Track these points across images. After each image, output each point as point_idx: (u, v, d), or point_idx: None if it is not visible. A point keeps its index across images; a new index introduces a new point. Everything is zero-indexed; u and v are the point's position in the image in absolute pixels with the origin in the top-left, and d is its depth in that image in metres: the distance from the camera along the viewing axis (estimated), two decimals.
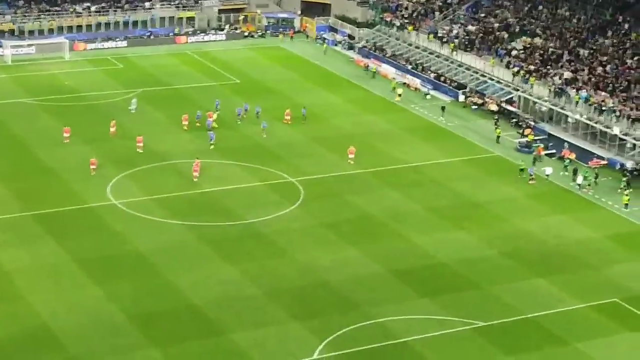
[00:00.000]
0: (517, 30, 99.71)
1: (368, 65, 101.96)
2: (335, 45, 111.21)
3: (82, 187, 69.15)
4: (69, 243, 60.81)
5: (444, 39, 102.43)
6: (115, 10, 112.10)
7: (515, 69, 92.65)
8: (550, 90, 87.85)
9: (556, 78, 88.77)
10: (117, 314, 53.08)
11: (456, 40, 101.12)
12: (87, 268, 57.75)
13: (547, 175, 74.11)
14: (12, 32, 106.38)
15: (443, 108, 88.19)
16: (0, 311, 52.75)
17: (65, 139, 76.80)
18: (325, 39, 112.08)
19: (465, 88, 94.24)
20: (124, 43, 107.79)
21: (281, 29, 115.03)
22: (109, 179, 70.64)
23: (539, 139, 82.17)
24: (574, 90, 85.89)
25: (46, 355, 49.15)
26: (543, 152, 78.94)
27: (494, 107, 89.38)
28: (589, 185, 72.76)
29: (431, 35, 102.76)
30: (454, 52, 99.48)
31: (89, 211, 65.71)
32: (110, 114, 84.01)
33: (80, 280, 56.40)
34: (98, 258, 59.26)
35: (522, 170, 74.74)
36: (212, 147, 76.31)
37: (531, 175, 73.79)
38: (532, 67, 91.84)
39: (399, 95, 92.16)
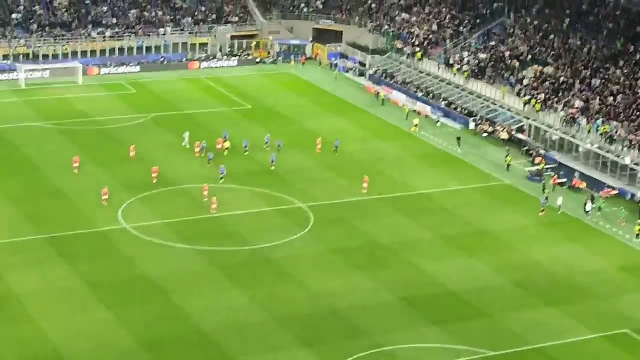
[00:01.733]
0: (528, 58, 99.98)
1: (378, 92, 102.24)
2: (347, 71, 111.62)
3: (93, 210, 69.41)
4: (79, 266, 61.00)
5: (456, 67, 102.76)
6: (129, 36, 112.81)
7: (526, 98, 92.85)
8: (561, 119, 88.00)
9: (567, 107, 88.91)
10: (127, 338, 53.19)
11: (466, 67, 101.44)
12: (97, 292, 57.91)
13: (559, 206, 73.94)
14: (26, 55, 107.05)
15: (459, 139, 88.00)
16: (11, 334, 52.92)
17: (74, 169, 76.41)
18: (336, 65, 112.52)
19: (476, 116, 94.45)
20: (137, 68, 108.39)
21: (293, 56, 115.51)
22: (120, 202, 70.88)
23: (549, 168, 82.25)
24: (585, 119, 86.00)
25: None
26: (557, 181, 78.88)
27: (505, 135, 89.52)
28: (623, 217, 72.35)
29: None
30: (468, 80, 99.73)
31: (100, 235, 65.94)
32: (123, 138, 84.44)
33: (90, 304, 56.55)
34: (108, 282, 59.43)
35: (547, 199, 74.57)
36: (221, 181, 75.38)
37: (543, 206, 73.57)
38: (542, 96, 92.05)
39: (415, 125, 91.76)
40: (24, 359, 50.80)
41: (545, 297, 60.34)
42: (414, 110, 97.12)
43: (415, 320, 56.78)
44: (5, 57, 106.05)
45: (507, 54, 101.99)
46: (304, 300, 58.44)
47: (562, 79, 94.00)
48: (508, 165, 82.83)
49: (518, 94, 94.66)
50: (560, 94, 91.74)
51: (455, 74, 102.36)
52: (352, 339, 54.19)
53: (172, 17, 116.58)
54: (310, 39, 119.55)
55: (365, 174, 77.03)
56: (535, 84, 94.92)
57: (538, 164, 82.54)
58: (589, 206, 73.33)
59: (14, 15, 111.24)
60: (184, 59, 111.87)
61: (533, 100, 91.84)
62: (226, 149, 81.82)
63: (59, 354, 51.30)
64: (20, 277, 59.18)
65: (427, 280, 61.78)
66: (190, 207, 71.23)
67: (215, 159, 79.61)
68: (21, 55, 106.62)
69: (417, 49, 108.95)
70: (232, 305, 57.43)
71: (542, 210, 73.30)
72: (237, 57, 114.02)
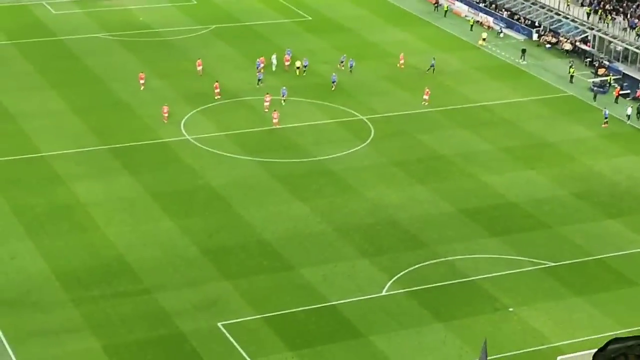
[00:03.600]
0: None
1: (438, 2, 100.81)
2: None
3: (156, 122, 70.15)
4: (143, 177, 62.04)
5: None
6: None
7: (591, 8, 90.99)
8: (626, 29, 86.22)
9: (633, 18, 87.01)
10: (190, 246, 54.27)
11: None
12: (161, 202, 58.97)
13: (628, 116, 73.13)
14: None
15: (524, 51, 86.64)
16: (77, 241, 54.32)
17: (141, 86, 75.87)
18: None
19: (539, 27, 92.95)
20: None
21: None
22: (182, 114, 71.55)
23: (614, 79, 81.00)
24: None
25: (121, 285, 50.59)
26: (620, 92, 77.78)
27: (568, 46, 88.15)
28: None
29: None
30: None
31: (163, 146, 66.78)
32: (184, 50, 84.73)
33: (154, 214, 57.64)
34: (172, 192, 60.41)
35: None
36: (283, 103, 73.94)
37: (605, 117, 72.68)
38: (608, 6, 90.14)
39: (484, 39, 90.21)
40: (91, 264, 52.21)
41: (606, 209, 60.11)
42: (478, 22, 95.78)
43: (475, 231, 57.00)
44: None
45: None
46: (365, 212, 58.91)
47: None
48: (571, 76, 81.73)
49: (582, 4, 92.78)
50: (625, 4, 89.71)
51: None
52: (412, 250, 54.67)
53: None
54: None
55: (426, 86, 76.60)
56: None
57: (602, 75, 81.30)
58: None
59: None
60: None
61: (598, 11, 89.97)
62: (297, 68, 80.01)
63: (124, 261, 52.58)
64: (87, 187, 60.39)
65: (487, 192, 61.80)
66: (251, 119, 71.64)
67: (280, 76, 79.16)
68: None
69: None
70: (293, 215, 58.11)
71: (605, 122, 72.48)
72: None
